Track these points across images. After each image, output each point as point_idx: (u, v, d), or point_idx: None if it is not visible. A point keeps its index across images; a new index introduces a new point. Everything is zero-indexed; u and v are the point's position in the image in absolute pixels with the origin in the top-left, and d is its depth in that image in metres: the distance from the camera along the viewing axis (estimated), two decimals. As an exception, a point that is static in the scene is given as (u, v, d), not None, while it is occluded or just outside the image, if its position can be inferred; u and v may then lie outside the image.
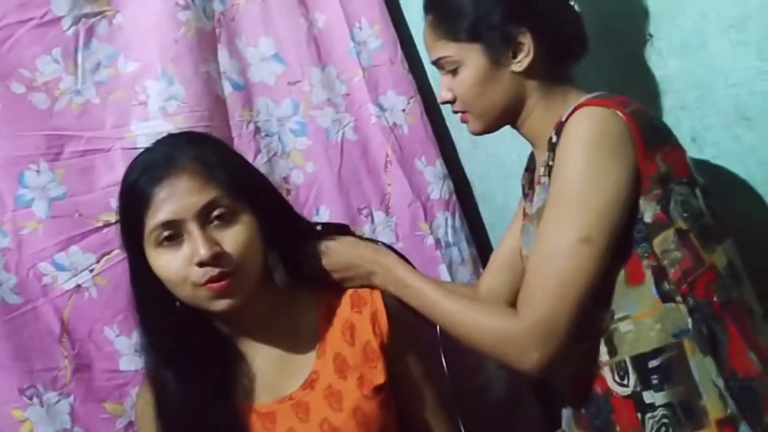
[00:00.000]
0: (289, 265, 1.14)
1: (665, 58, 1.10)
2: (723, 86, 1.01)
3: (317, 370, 1.12)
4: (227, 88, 1.43)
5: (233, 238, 1.02)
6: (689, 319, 0.92)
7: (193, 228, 1.00)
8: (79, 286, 1.32)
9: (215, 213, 1.02)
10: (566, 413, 1.15)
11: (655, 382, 0.93)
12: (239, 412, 1.10)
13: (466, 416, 1.46)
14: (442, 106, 1.59)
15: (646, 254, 0.93)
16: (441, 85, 1.09)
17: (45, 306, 1.31)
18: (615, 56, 1.17)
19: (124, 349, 1.34)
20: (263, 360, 1.13)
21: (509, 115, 1.08)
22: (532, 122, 1.07)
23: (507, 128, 1.34)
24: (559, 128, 0.97)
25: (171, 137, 1.12)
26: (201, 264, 1.00)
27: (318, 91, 1.49)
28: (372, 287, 1.13)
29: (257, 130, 1.46)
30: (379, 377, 1.10)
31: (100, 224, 1.32)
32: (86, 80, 1.34)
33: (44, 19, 1.31)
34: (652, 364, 0.94)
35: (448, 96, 1.09)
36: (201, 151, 1.06)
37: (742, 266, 0.97)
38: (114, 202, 1.15)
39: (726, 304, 0.93)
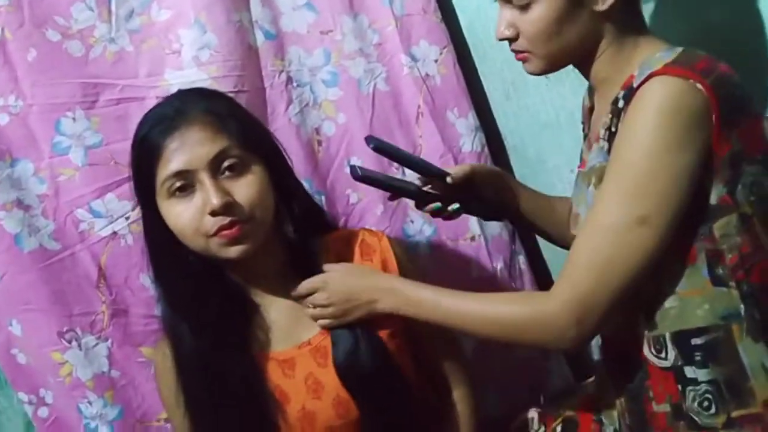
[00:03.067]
0: (297, 219, 1.15)
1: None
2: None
3: None
4: (259, 38, 1.42)
5: (245, 188, 1.04)
6: (741, 305, 0.90)
7: (204, 177, 1.02)
8: (115, 233, 1.34)
9: (226, 163, 1.04)
10: (599, 371, 1.15)
11: (698, 358, 0.92)
12: (256, 360, 1.12)
13: (494, 371, 1.49)
14: (474, 57, 1.59)
15: (703, 236, 0.90)
16: (500, 18, 1.00)
17: (82, 252, 1.33)
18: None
19: (159, 295, 1.37)
20: (278, 309, 1.15)
21: (578, 57, 1.00)
22: (599, 66, 0.99)
23: (540, 80, 1.32)
24: (629, 92, 0.91)
25: (181, 92, 1.14)
26: (213, 213, 1.01)
27: (350, 41, 1.47)
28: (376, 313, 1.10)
29: (289, 79, 1.45)
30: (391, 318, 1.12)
31: (135, 172, 1.33)
32: (120, 28, 1.34)
33: (78, -34, 1.30)
34: (695, 341, 0.92)
35: (509, 33, 0.99)
36: (211, 103, 1.07)
37: None
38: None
39: None
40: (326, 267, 1.14)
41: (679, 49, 0.91)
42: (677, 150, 0.86)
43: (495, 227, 1.54)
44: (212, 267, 1.10)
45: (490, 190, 1.20)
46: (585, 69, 1.02)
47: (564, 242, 1.18)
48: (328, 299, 1.11)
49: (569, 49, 0.98)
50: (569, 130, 1.37)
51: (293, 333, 1.14)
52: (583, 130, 1.17)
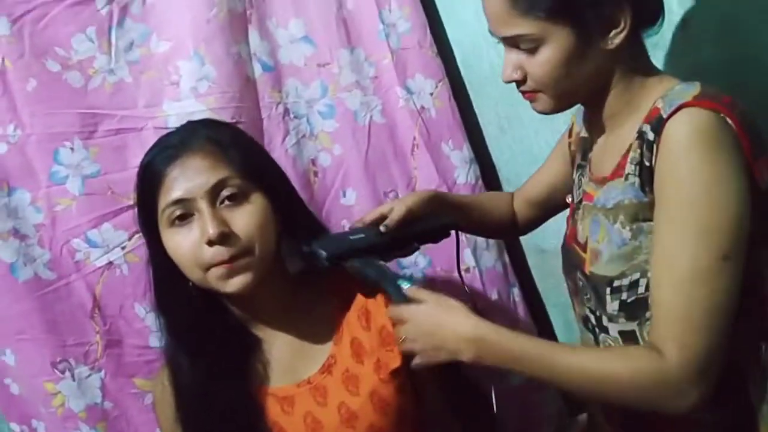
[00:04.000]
0: (301, 255, 1.12)
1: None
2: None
3: (334, 355, 1.12)
4: (257, 70, 1.44)
5: (243, 218, 1.03)
6: None
7: (203, 206, 1.02)
8: (111, 262, 1.34)
9: (225, 193, 1.03)
10: (592, 407, 1.15)
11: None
12: (255, 395, 1.11)
13: (489, 398, 1.48)
14: (470, 90, 1.61)
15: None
16: (507, 61, 0.98)
17: (77, 282, 1.33)
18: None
19: (153, 326, 1.36)
20: (280, 346, 1.14)
21: (587, 95, 0.99)
22: (609, 101, 0.98)
23: (534, 113, 1.33)
24: (657, 124, 0.88)
25: (189, 123, 1.14)
26: (209, 243, 1.00)
27: (346, 74, 1.49)
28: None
29: (286, 111, 1.47)
30: (395, 361, 1.10)
31: (131, 202, 1.31)
32: (119, 59, 1.35)
33: (79, -2, 1.32)
34: None
35: (517, 75, 0.97)
36: (215, 132, 1.07)
37: None
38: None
39: None
40: (413, 293, 1.05)
41: (697, 83, 0.90)
42: (730, 179, 0.84)
43: (489, 259, 1.55)
44: (213, 299, 1.10)
45: (431, 215, 1.21)
46: (593, 105, 1.02)
47: (500, 235, 1.25)
48: (413, 336, 1.03)
49: (579, 88, 0.97)
50: (563, 163, 1.39)
51: (294, 370, 1.13)
52: (575, 159, 1.16)
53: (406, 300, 1.04)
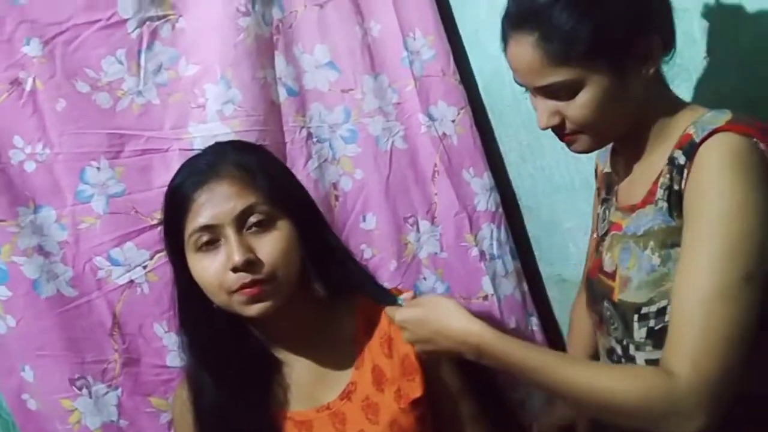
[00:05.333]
0: (326, 278, 1.13)
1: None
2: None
3: (355, 382, 1.12)
4: (282, 94, 1.46)
5: (269, 245, 1.03)
6: None
7: (229, 233, 1.02)
8: (132, 281, 1.36)
9: (253, 219, 1.03)
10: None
11: None
12: (275, 418, 1.11)
13: (503, 429, 1.47)
14: (491, 118, 1.62)
15: None
16: (540, 109, 0.97)
17: (98, 300, 1.35)
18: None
19: (172, 345, 1.37)
20: (301, 369, 1.14)
21: (625, 129, 0.98)
22: (640, 134, 0.98)
23: (556, 143, 1.34)
24: (690, 148, 0.89)
25: (218, 145, 1.14)
26: (234, 269, 1.01)
27: (370, 99, 1.51)
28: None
29: (309, 135, 1.48)
30: (416, 390, 1.10)
31: (155, 222, 1.35)
32: (148, 82, 1.37)
33: (110, 21, 1.34)
34: None
35: (555, 121, 0.97)
36: (243, 157, 1.07)
37: None
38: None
39: None
40: (415, 301, 1.08)
41: (727, 110, 0.91)
42: (759, 202, 0.84)
43: (508, 287, 1.55)
44: (237, 321, 1.10)
45: None
46: (625, 138, 1.01)
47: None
48: (412, 338, 1.06)
49: (618, 124, 0.97)
50: (584, 193, 1.39)
51: (313, 394, 1.13)
52: (600, 194, 1.18)
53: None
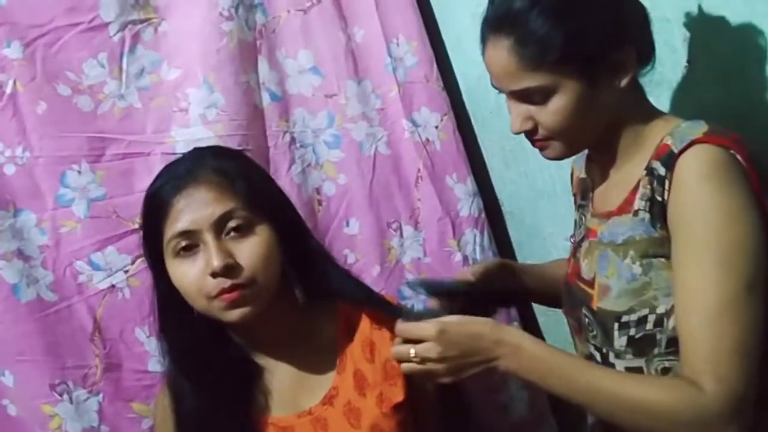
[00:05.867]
0: (306, 283, 1.12)
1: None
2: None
3: (337, 386, 1.12)
4: (265, 99, 1.46)
5: (248, 250, 1.03)
6: None
7: (208, 238, 1.02)
8: (113, 286, 1.35)
9: (231, 224, 1.03)
10: None
11: None
12: (256, 424, 1.10)
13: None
14: (474, 124, 1.62)
15: None
16: (514, 114, 0.97)
17: (79, 304, 1.34)
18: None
19: (153, 351, 1.36)
20: (283, 375, 1.14)
21: (598, 137, 0.99)
22: (614, 142, 0.99)
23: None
24: (669, 159, 0.89)
25: (197, 150, 1.14)
26: (213, 275, 1.01)
27: (353, 105, 1.51)
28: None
29: (293, 140, 1.48)
30: (398, 395, 1.10)
31: (136, 226, 1.34)
32: (130, 85, 1.37)
33: (92, 24, 1.34)
34: None
35: (528, 126, 0.97)
36: (222, 163, 1.07)
37: None
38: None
39: None
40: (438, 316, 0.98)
41: (702, 121, 0.91)
42: (745, 211, 0.85)
43: (490, 292, 1.55)
44: (217, 327, 1.09)
45: (502, 281, 1.22)
46: (599, 146, 1.01)
47: (557, 303, 1.17)
48: (441, 354, 0.94)
49: (590, 132, 0.98)
50: (566, 199, 1.39)
51: (295, 400, 1.12)
52: (576, 200, 1.18)
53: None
